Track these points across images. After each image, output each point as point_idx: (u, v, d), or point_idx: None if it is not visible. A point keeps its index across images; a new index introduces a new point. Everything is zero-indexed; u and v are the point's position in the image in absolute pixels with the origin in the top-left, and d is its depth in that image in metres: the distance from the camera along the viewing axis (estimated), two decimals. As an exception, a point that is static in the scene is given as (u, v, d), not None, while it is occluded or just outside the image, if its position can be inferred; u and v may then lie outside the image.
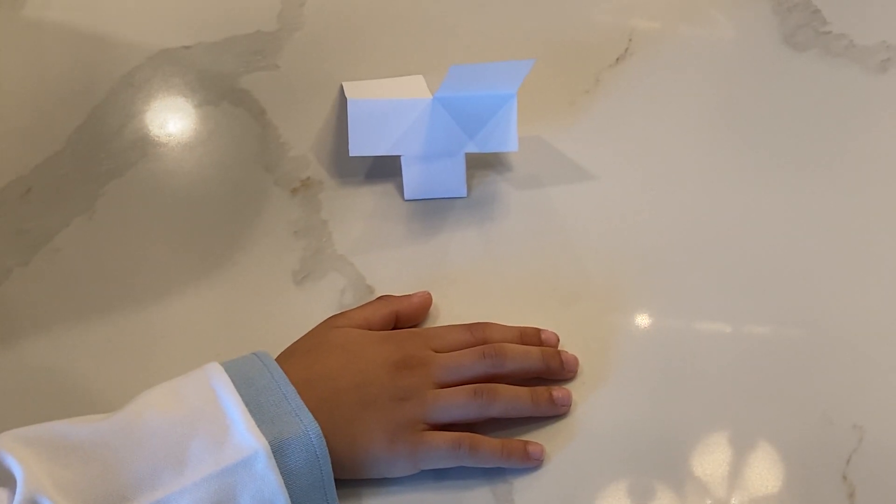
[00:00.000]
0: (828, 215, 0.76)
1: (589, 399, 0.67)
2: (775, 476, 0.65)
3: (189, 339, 0.70)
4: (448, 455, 0.63)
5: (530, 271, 0.73)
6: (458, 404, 0.64)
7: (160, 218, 0.76)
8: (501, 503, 0.63)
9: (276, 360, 0.64)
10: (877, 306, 0.72)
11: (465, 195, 0.78)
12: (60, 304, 0.71)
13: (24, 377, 0.68)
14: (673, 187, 0.78)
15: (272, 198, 0.77)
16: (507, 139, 0.76)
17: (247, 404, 0.59)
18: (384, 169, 0.78)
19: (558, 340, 0.69)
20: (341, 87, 0.81)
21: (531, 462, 0.64)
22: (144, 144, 0.80)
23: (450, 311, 0.71)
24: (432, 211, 0.77)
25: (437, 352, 0.66)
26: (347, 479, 0.63)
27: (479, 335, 0.68)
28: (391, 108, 0.76)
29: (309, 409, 0.61)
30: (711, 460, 0.65)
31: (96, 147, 0.79)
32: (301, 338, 0.67)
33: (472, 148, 0.76)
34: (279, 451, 0.58)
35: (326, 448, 0.60)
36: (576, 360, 0.68)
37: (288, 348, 0.67)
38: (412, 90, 0.79)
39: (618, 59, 0.85)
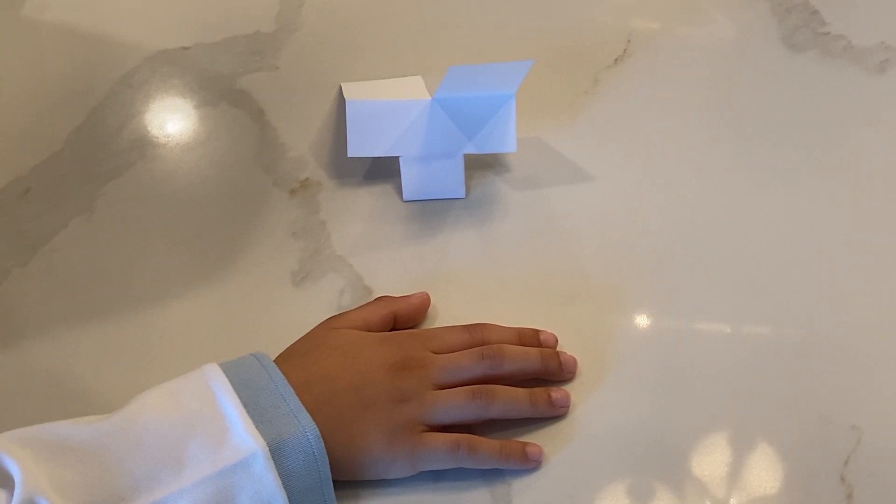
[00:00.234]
0: (826, 216, 0.76)
1: (587, 400, 0.67)
2: (774, 476, 0.65)
3: (188, 340, 0.70)
4: (447, 456, 0.63)
5: (529, 272, 0.73)
6: (456, 405, 0.64)
7: (159, 219, 0.76)
8: (500, 503, 0.64)
9: (274, 361, 0.64)
10: (875, 307, 0.72)
11: (463, 196, 0.78)
12: (59, 304, 0.71)
13: (23, 377, 0.68)
14: (672, 188, 0.78)
15: (271, 198, 0.77)
16: (506, 140, 0.76)
17: (245, 405, 0.60)
18: (383, 170, 0.78)
19: (557, 341, 0.69)
20: (340, 87, 0.81)
21: (530, 463, 0.64)
22: (143, 145, 0.80)
23: (448, 312, 0.71)
24: (431, 212, 0.77)
25: (435, 353, 0.66)
26: (346, 480, 0.63)
27: (477, 336, 0.68)
28: (390, 109, 0.76)
29: (307, 410, 0.61)
30: (710, 461, 0.65)
31: (95, 148, 0.79)
32: (299, 339, 0.67)
33: (471, 149, 0.76)
34: (277, 452, 0.58)
35: (324, 449, 0.60)
36: (574, 361, 0.68)
37: (286, 350, 0.67)
38: (411, 91, 0.79)
39: (616, 60, 0.85)
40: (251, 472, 0.58)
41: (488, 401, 0.64)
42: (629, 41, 0.87)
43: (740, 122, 0.82)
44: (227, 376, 0.61)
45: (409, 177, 0.76)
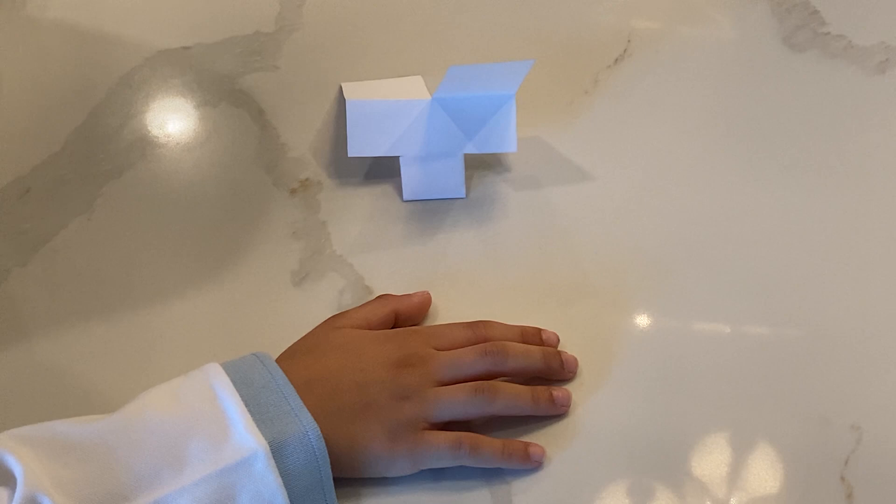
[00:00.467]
0: (826, 216, 0.76)
1: (588, 400, 0.67)
2: (774, 477, 0.65)
3: (188, 340, 0.70)
4: (448, 454, 0.63)
5: (529, 271, 0.73)
6: (458, 402, 0.64)
7: (159, 219, 0.76)
8: (500, 503, 0.63)
9: (276, 360, 0.64)
10: (875, 307, 0.72)
11: (463, 196, 0.78)
12: (60, 304, 0.71)
13: (23, 377, 0.68)
14: (672, 188, 0.78)
15: (271, 198, 0.77)
16: (506, 140, 0.76)
17: (246, 404, 0.59)
18: (383, 170, 0.78)
19: (558, 340, 0.69)
20: (340, 87, 0.81)
21: (531, 463, 0.64)
22: (143, 145, 0.80)
23: (449, 312, 0.71)
24: (431, 211, 0.77)
25: (437, 350, 0.66)
26: (347, 478, 0.63)
27: (479, 333, 0.68)
28: (390, 109, 0.76)
29: (309, 409, 0.60)
30: (710, 461, 0.65)
31: (95, 148, 0.79)
32: (301, 338, 0.67)
33: (471, 149, 0.76)
34: (278, 452, 0.58)
35: (325, 449, 0.60)
36: (576, 360, 0.68)
37: (288, 349, 0.67)
38: (411, 91, 0.79)
39: (617, 60, 0.85)
40: (252, 472, 0.58)
41: (490, 397, 0.64)
42: (629, 41, 0.87)
43: (740, 122, 0.82)
44: (229, 375, 0.61)
45: (410, 176, 0.76)
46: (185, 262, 0.74)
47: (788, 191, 0.78)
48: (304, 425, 0.60)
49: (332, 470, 0.60)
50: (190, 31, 0.86)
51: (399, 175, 0.76)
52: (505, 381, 0.67)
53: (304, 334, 0.68)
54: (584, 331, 0.70)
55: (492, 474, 0.64)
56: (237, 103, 0.82)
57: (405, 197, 0.77)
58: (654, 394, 0.68)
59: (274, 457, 0.58)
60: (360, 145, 0.76)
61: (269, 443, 0.58)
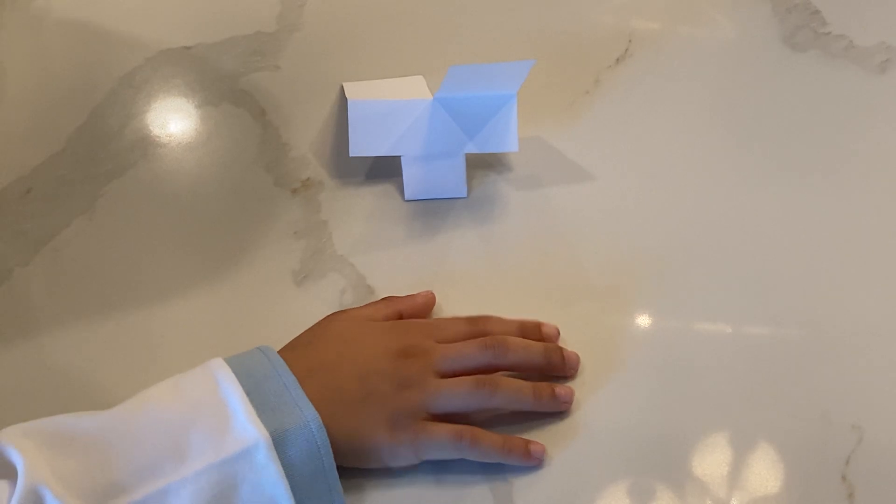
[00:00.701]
0: (827, 215, 0.76)
1: (589, 399, 0.67)
2: (775, 476, 0.65)
3: (189, 339, 0.70)
4: (449, 446, 0.63)
5: (530, 271, 0.73)
6: (460, 394, 0.64)
7: (160, 218, 0.76)
8: (501, 503, 0.63)
9: (278, 352, 0.64)
10: (876, 307, 0.72)
11: (465, 195, 0.78)
12: (61, 304, 0.72)
13: (25, 376, 0.68)
14: (673, 187, 0.78)
15: (272, 198, 0.77)
16: (508, 139, 0.76)
17: (248, 395, 0.60)
18: (384, 169, 0.78)
19: (559, 334, 0.69)
20: (342, 87, 0.81)
21: (532, 460, 0.64)
22: (145, 145, 0.80)
23: (450, 311, 0.71)
24: (432, 211, 0.77)
25: (438, 342, 0.67)
26: (350, 466, 0.63)
27: (480, 327, 0.68)
28: (391, 109, 0.76)
29: (310, 399, 0.61)
30: (711, 460, 0.65)
31: (96, 147, 0.79)
32: (303, 332, 0.67)
33: (473, 148, 0.76)
34: (280, 442, 0.58)
35: (327, 438, 0.60)
36: (577, 357, 0.68)
37: (290, 342, 0.67)
38: (413, 91, 0.79)
39: (618, 60, 0.86)
40: (253, 462, 0.58)
41: (492, 390, 0.64)
42: (630, 41, 0.87)
43: (741, 122, 0.82)
44: (231, 367, 0.61)
45: (411, 176, 0.77)
46: (186, 262, 0.74)
47: (789, 190, 0.78)
48: (305, 415, 0.60)
49: (336, 459, 0.60)
50: (191, 31, 0.86)
51: (400, 175, 0.77)
52: (506, 376, 0.67)
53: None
54: (585, 330, 0.70)
55: (493, 473, 0.64)
56: (238, 103, 0.82)
57: (407, 196, 0.77)
58: (655, 393, 0.68)
59: (276, 447, 0.58)
60: (362, 145, 0.76)
61: (270, 433, 0.58)
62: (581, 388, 0.68)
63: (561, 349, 0.68)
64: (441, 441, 0.63)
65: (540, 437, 0.66)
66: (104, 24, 0.87)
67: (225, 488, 0.57)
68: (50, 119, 0.81)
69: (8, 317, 0.71)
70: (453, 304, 0.71)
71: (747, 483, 0.64)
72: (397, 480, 0.64)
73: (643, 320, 0.72)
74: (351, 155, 0.75)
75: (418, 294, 0.71)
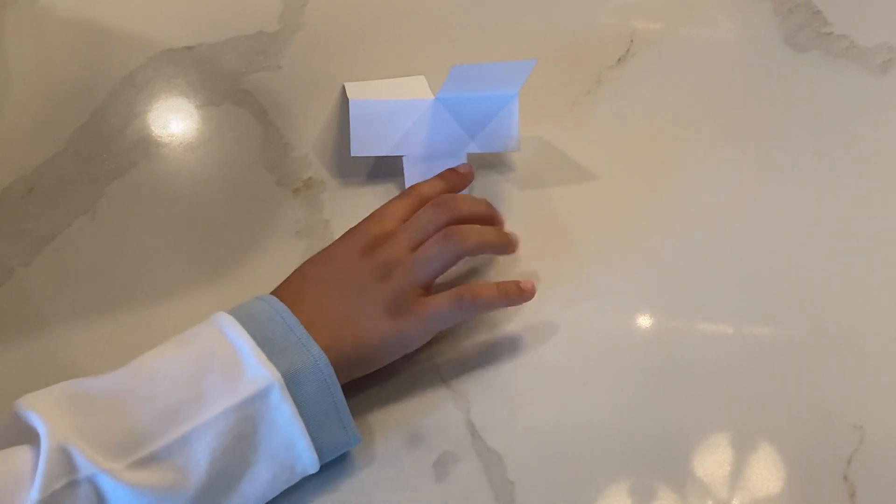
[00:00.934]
0: (829, 215, 0.76)
1: (590, 399, 0.67)
2: (776, 476, 0.65)
3: (191, 339, 0.70)
4: (453, 310, 0.65)
5: (531, 271, 0.73)
6: (435, 253, 0.66)
7: (162, 218, 0.76)
8: (503, 502, 0.63)
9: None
10: (878, 306, 0.72)
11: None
12: (63, 303, 0.72)
13: (26, 376, 0.68)
14: (674, 187, 0.78)
15: (274, 198, 0.77)
16: (509, 139, 0.76)
17: (254, 338, 0.61)
18: (386, 169, 0.78)
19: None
20: (343, 87, 0.81)
21: (526, 296, 0.67)
22: (146, 145, 0.80)
23: (451, 312, 0.71)
24: (434, 211, 0.77)
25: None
26: (373, 371, 0.65)
27: (417, 197, 0.71)
28: (393, 109, 0.76)
29: (305, 325, 0.62)
30: (713, 461, 0.65)
31: (98, 147, 0.79)
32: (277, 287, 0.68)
33: (474, 148, 0.76)
34: (291, 382, 0.60)
35: (335, 375, 0.61)
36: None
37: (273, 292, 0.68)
38: (414, 91, 0.79)
39: (619, 60, 0.86)
40: (268, 403, 0.59)
41: (461, 237, 0.67)
42: (632, 41, 0.87)
43: (743, 122, 0.82)
44: (233, 315, 0.62)
45: (413, 176, 0.76)
46: (188, 261, 0.74)
47: (791, 190, 0.78)
48: (313, 355, 0.61)
49: (355, 371, 0.63)
50: (193, 31, 0.86)
51: (402, 174, 0.76)
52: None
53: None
54: (587, 330, 0.71)
55: (495, 473, 0.64)
56: (240, 103, 0.82)
57: (408, 196, 0.77)
58: (657, 393, 0.68)
59: (288, 387, 0.59)
60: (364, 145, 0.76)
61: (281, 374, 0.59)
62: (582, 388, 0.68)
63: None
64: (445, 309, 0.65)
65: (541, 435, 0.66)
66: (106, 24, 0.87)
67: (244, 429, 0.58)
68: (52, 119, 0.81)
69: (9, 316, 0.71)
70: (455, 304, 0.71)
71: (749, 483, 0.64)
72: (399, 485, 0.64)
73: (644, 320, 0.72)
74: (353, 155, 0.75)
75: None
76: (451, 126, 0.76)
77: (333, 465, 0.64)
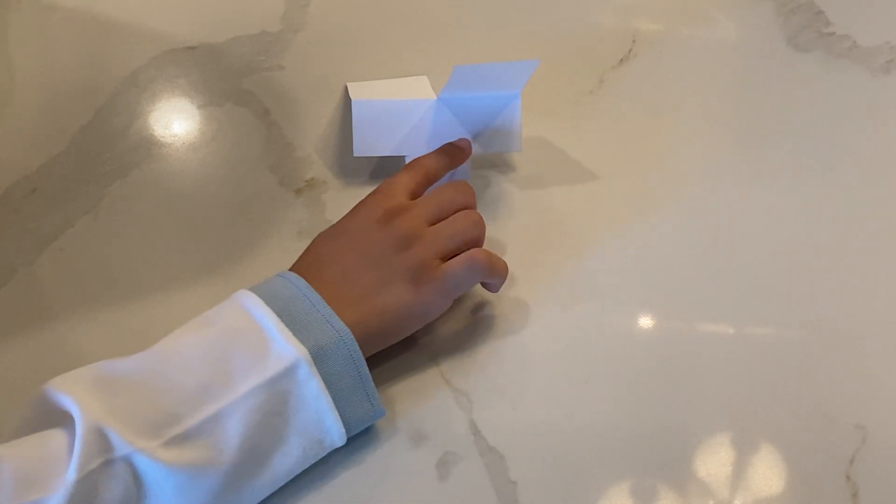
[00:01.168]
0: (831, 215, 0.76)
1: (592, 399, 0.67)
2: (778, 476, 0.65)
3: (194, 339, 0.70)
4: (470, 275, 0.67)
5: (533, 271, 0.73)
6: (458, 228, 0.68)
7: (165, 218, 0.76)
8: (505, 502, 0.63)
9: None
10: (879, 306, 0.72)
11: (468, 195, 0.78)
12: (65, 303, 0.72)
13: (28, 376, 0.68)
14: (676, 188, 0.78)
15: (276, 198, 0.77)
16: (512, 140, 0.76)
17: (279, 316, 0.61)
18: (388, 169, 0.78)
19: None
20: (346, 87, 0.82)
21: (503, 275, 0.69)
22: (149, 145, 0.80)
23: (453, 310, 0.71)
24: (436, 211, 0.77)
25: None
26: (399, 341, 0.66)
27: (422, 172, 0.72)
28: (395, 109, 0.76)
29: (327, 300, 0.63)
30: (714, 461, 0.65)
31: (101, 147, 0.79)
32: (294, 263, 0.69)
33: (477, 149, 0.76)
34: (317, 358, 0.60)
35: (359, 350, 0.62)
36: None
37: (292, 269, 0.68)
38: (416, 91, 0.79)
39: (622, 61, 0.86)
40: (296, 379, 0.60)
41: (478, 217, 0.69)
42: (634, 41, 0.87)
43: (744, 122, 0.82)
44: (256, 293, 0.63)
45: (415, 176, 0.77)
46: (191, 262, 0.74)
47: (792, 190, 0.78)
48: (337, 331, 0.62)
49: (380, 343, 0.64)
50: (196, 31, 0.86)
51: (404, 174, 0.77)
52: None
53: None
54: (589, 330, 0.71)
55: (497, 472, 0.64)
56: (242, 103, 0.82)
57: (410, 196, 0.77)
58: (658, 393, 0.68)
59: (315, 363, 0.60)
60: (366, 145, 0.76)
61: (308, 350, 0.60)
62: (584, 388, 0.68)
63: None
64: (462, 273, 0.66)
65: (542, 435, 0.66)
66: (109, 24, 0.87)
67: (274, 406, 0.59)
68: (55, 119, 0.81)
69: (12, 316, 0.71)
70: (456, 302, 0.71)
71: (751, 483, 0.64)
72: (401, 485, 0.64)
73: (646, 320, 0.72)
74: (355, 155, 0.75)
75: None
76: (454, 126, 0.76)
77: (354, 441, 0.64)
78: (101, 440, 0.55)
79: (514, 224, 0.76)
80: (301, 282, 0.64)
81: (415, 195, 0.70)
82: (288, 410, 0.60)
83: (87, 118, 0.81)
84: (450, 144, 0.75)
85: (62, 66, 0.84)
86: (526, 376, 0.69)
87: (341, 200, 0.77)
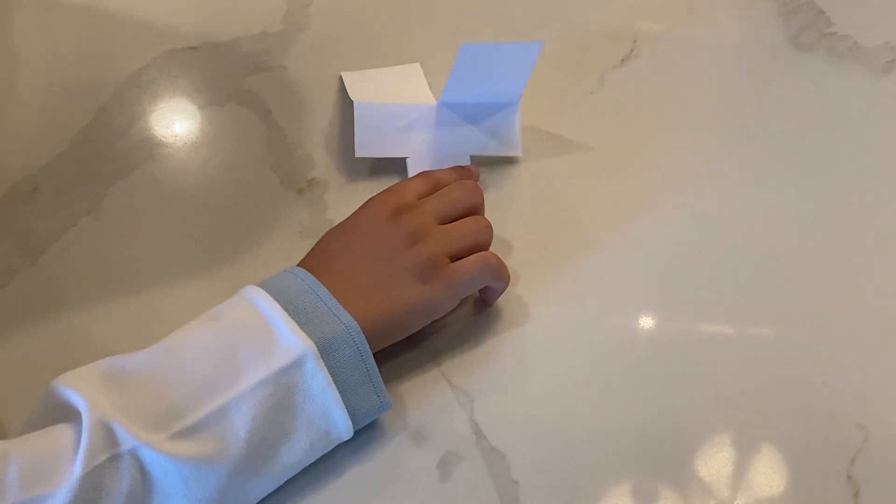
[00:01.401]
0: (832, 215, 0.76)
1: (594, 398, 0.67)
2: (780, 476, 0.65)
3: (195, 339, 0.70)
4: (480, 276, 0.67)
5: (534, 271, 0.73)
6: (467, 230, 0.68)
7: (166, 218, 0.76)
8: (507, 502, 0.63)
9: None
10: (880, 306, 0.72)
11: (470, 195, 0.78)
12: (67, 303, 0.72)
13: (28, 376, 0.68)
14: (678, 187, 0.78)
15: (278, 198, 0.77)
16: (511, 144, 0.77)
17: (285, 309, 0.61)
18: (390, 169, 0.78)
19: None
20: (342, 81, 0.81)
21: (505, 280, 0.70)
22: (150, 145, 0.80)
23: (454, 310, 0.71)
24: (438, 211, 0.77)
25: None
26: (405, 337, 0.66)
27: (434, 180, 0.72)
28: (397, 111, 0.76)
29: (334, 294, 0.63)
30: (716, 461, 0.65)
31: (102, 147, 0.79)
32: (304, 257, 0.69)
33: (477, 151, 0.76)
34: (324, 351, 0.60)
35: (366, 343, 0.62)
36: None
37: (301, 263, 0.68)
38: (412, 81, 0.79)
39: (623, 60, 0.86)
40: (303, 372, 0.60)
41: (484, 222, 0.69)
42: (635, 41, 0.87)
43: (746, 122, 0.82)
44: (263, 288, 0.63)
45: (416, 177, 0.77)
46: (192, 262, 0.74)
47: (794, 190, 0.78)
48: (344, 324, 0.61)
49: (387, 338, 0.64)
50: (197, 31, 0.86)
51: (406, 174, 0.77)
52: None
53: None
54: (591, 329, 0.71)
55: (499, 472, 0.64)
56: (244, 103, 0.82)
57: (412, 196, 0.77)
58: (659, 393, 0.68)
59: (321, 355, 0.60)
60: (368, 146, 0.76)
61: (314, 342, 0.60)
62: (585, 388, 0.68)
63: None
64: (472, 274, 0.66)
65: (543, 435, 0.66)
66: (110, 24, 0.87)
67: (280, 399, 0.59)
68: (56, 119, 0.81)
69: (13, 316, 0.71)
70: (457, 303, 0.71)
71: (752, 483, 0.64)
72: (403, 487, 0.64)
73: (647, 321, 0.72)
74: (357, 156, 0.75)
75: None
76: (455, 128, 0.76)
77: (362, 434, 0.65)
78: (107, 435, 0.56)
79: (514, 223, 0.76)
80: (308, 276, 0.64)
81: (423, 198, 0.70)
82: (295, 403, 0.60)
83: (89, 118, 0.81)
84: (461, 166, 0.75)
85: (63, 67, 0.84)
86: (527, 376, 0.69)
87: (343, 200, 0.77)
